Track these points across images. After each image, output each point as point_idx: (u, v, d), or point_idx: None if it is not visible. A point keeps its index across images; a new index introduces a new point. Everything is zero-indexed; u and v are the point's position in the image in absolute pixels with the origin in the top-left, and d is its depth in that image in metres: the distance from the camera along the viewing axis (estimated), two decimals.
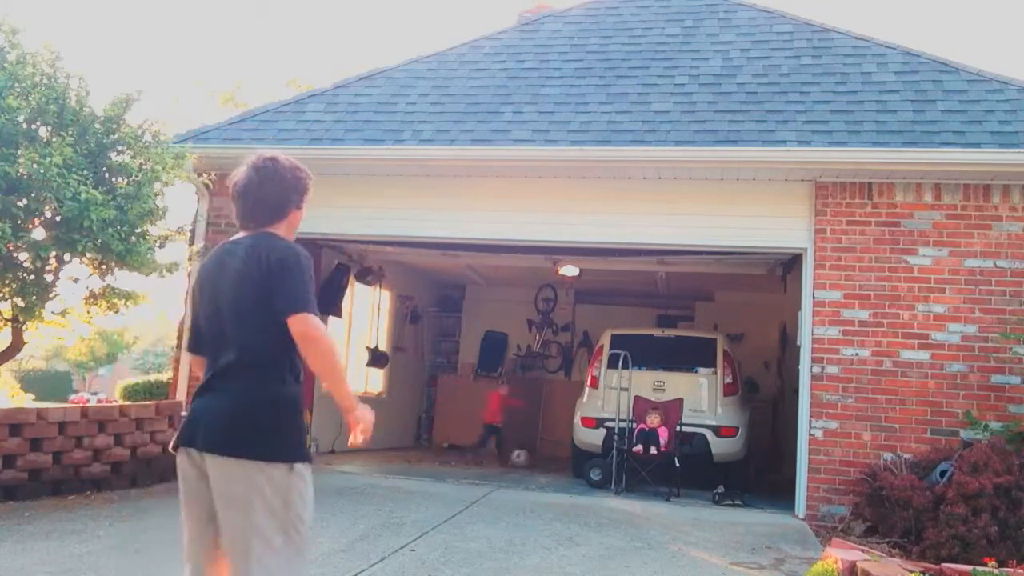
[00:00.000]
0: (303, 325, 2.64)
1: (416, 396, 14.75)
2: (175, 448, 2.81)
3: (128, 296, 7.12)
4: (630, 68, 9.33)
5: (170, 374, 9.87)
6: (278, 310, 2.66)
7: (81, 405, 7.51)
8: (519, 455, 11.53)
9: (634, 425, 9.21)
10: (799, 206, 8.09)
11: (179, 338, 9.20)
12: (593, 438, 9.77)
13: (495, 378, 14.49)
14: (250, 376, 2.71)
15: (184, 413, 3.06)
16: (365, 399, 11.85)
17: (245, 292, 2.76)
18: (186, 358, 8.94)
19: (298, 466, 2.69)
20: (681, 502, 8.30)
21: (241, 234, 3.00)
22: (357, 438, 2.80)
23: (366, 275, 11.87)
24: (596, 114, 8.58)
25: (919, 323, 7.64)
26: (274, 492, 2.63)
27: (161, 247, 7.23)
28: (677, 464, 8.78)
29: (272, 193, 2.96)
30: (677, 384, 9.81)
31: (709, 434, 9.53)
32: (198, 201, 9.12)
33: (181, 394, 8.85)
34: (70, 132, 6.35)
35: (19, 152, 6.05)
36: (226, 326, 2.78)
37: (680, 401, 9.29)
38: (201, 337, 2.90)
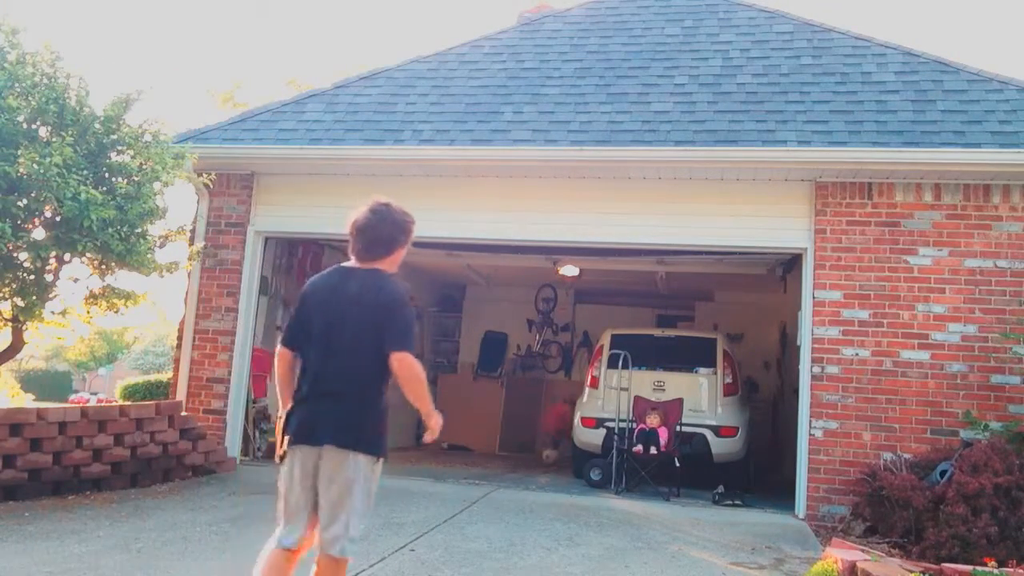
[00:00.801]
0: (402, 362, 3.39)
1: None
2: (290, 445, 3.51)
3: (128, 296, 7.12)
4: (630, 68, 9.33)
5: (170, 374, 9.87)
6: (385, 345, 3.39)
7: (81, 405, 7.51)
8: (548, 455, 12.07)
9: (634, 425, 9.21)
10: (799, 206, 8.10)
11: (179, 338, 9.20)
12: (593, 438, 9.77)
13: (495, 378, 14.50)
14: (357, 389, 3.45)
15: (281, 415, 3.60)
16: None
17: (358, 320, 3.45)
18: (188, 355, 8.96)
19: (382, 459, 3.50)
20: (681, 502, 8.30)
21: (353, 262, 3.62)
22: (432, 435, 3.53)
23: None
24: (596, 114, 8.58)
25: (919, 323, 7.64)
26: (367, 477, 3.44)
27: (161, 247, 7.23)
28: (677, 464, 8.78)
29: (385, 232, 3.58)
30: (677, 384, 9.81)
31: (709, 434, 9.53)
32: (198, 201, 9.13)
33: (181, 394, 8.85)
34: (70, 132, 6.35)
35: (19, 152, 6.04)
36: (335, 342, 3.47)
37: (680, 401, 9.29)
38: (300, 338, 3.59)
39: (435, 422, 3.48)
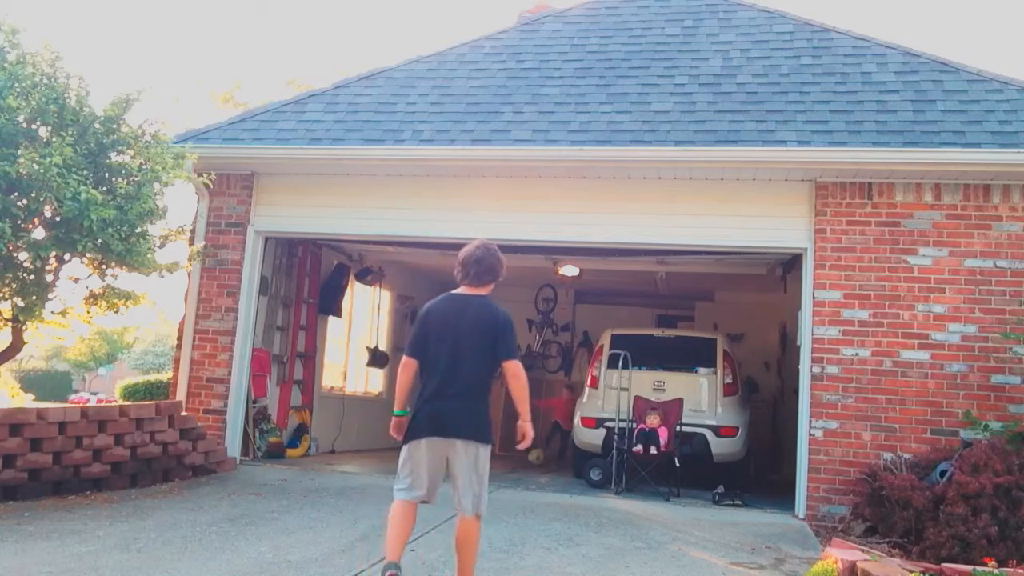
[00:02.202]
0: (514, 368, 4.40)
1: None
2: (423, 436, 4.37)
3: (128, 296, 7.11)
4: (630, 68, 9.33)
5: (170, 374, 9.87)
6: (500, 355, 4.39)
7: (81, 405, 7.50)
8: (536, 455, 11.67)
9: (634, 425, 9.21)
10: (799, 206, 8.10)
11: (179, 338, 9.20)
12: (593, 438, 9.77)
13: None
14: (476, 391, 4.40)
15: (410, 411, 4.47)
16: (365, 399, 11.86)
17: (480, 336, 4.38)
18: (188, 355, 8.96)
19: (490, 445, 4.44)
20: (681, 502, 8.30)
21: (463, 289, 4.54)
22: (526, 443, 4.46)
23: (366, 275, 11.87)
24: (596, 114, 8.58)
25: (919, 323, 7.64)
26: (486, 459, 4.40)
27: (161, 247, 7.22)
28: (677, 464, 8.78)
29: (491, 264, 4.51)
30: (677, 384, 9.81)
31: (709, 434, 9.53)
32: (198, 201, 9.13)
33: (181, 394, 8.85)
34: (70, 132, 6.34)
35: (19, 152, 6.04)
36: (461, 354, 4.36)
37: (680, 401, 9.29)
38: (425, 351, 4.45)
39: (527, 429, 4.42)
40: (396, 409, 4.55)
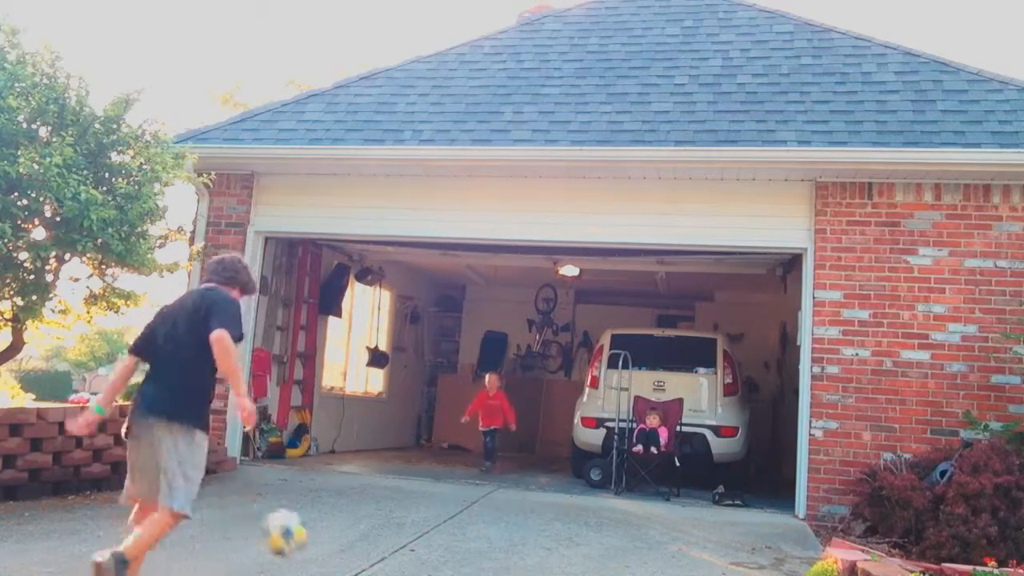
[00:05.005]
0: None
1: (416, 396, 14.75)
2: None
3: (128, 296, 7.11)
4: (630, 68, 9.33)
5: None
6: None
7: (81, 405, 7.50)
8: (486, 465, 10.23)
9: (634, 425, 9.20)
10: (799, 206, 8.10)
11: None
12: (593, 438, 9.77)
13: (500, 380, 14.48)
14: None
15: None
16: (365, 399, 11.89)
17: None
18: None
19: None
20: (681, 502, 8.30)
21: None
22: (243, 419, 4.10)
23: (366, 275, 11.87)
24: (596, 114, 8.58)
25: (919, 323, 7.64)
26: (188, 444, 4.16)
27: (161, 247, 7.22)
28: (677, 464, 8.78)
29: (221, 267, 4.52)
30: (677, 384, 9.81)
31: (709, 434, 9.53)
32: (198, 201, 9.13)
33: None
34: (70, 132, 6.34)
35: (19, 152, 6.04)
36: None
37: (680, 401, 9.29)
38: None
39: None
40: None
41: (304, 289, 10.58)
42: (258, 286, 9.19)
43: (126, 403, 8.64)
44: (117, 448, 7.03)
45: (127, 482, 4.24)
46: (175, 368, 4.21)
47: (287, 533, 4.04)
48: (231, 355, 4.06)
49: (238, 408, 4.09)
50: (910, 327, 7.65)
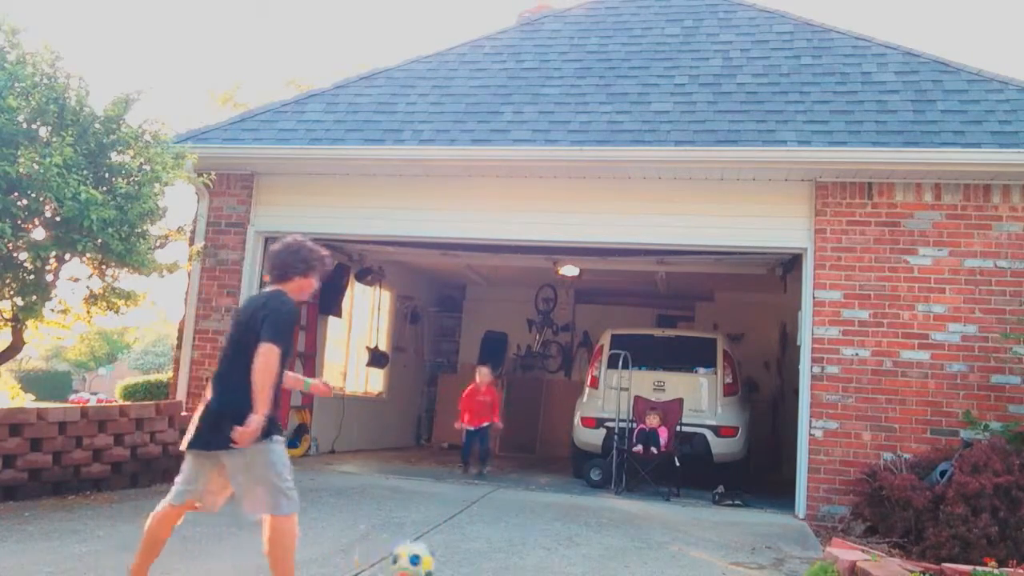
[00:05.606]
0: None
1: (416, 396, 14.75)
2: None
3: (128, 296, 7.11)
4: (630, 68, 9.33)
5: (170, 374, 9.86)
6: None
7: (81, 405, 7.50)
8: (472, 468, 9.81)
9: (634, 425, 9.21)
10: (799, 206, 8.10)
11: (179, 338, 9.20)
12: (593, 438, 9.77)
13: (495, 377, 14.49)
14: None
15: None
16: (365, 399, 11.86)
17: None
18: (188, 355, 8.95)
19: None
20: (681, 502, 8.30)
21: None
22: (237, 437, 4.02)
23: (366, 275, 11.87)
24: (596, 114, 8.58)
25: (919, 323, 7.64)
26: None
27: (161, 247, 7.23)
28: (677, 464, 8.78)
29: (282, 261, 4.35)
30: (677, 384, 9.81)
31: (709, 434, 9.54)
32: (198, 201, 9.14)
33: (181, 394, 8.85)
34: (70, 132, 6.34)
35: (19, 152, 6.04)
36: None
37: (680, 401, 9.29)
38: None
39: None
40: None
41: None
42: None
43: (126, 402, 8.67)
44: (117, 448, 7.04)
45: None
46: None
47: (414, 560, 4.18)
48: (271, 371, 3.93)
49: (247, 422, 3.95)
50: (910, 327, 7.65)
